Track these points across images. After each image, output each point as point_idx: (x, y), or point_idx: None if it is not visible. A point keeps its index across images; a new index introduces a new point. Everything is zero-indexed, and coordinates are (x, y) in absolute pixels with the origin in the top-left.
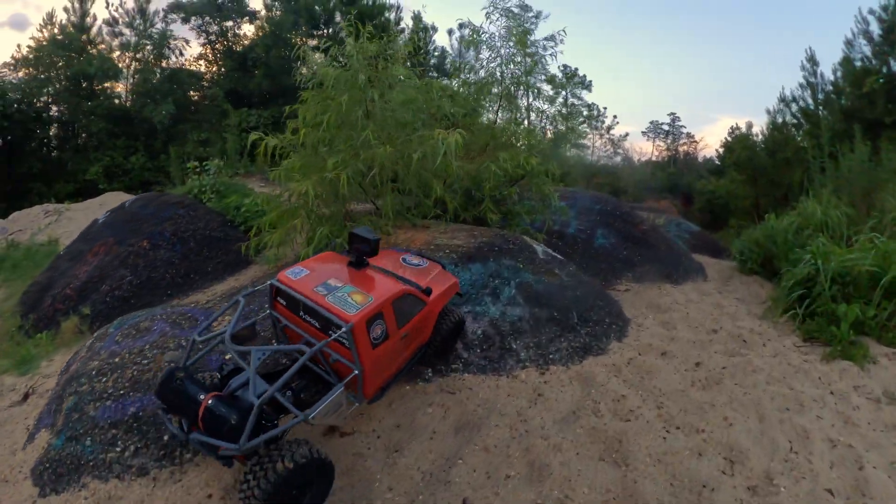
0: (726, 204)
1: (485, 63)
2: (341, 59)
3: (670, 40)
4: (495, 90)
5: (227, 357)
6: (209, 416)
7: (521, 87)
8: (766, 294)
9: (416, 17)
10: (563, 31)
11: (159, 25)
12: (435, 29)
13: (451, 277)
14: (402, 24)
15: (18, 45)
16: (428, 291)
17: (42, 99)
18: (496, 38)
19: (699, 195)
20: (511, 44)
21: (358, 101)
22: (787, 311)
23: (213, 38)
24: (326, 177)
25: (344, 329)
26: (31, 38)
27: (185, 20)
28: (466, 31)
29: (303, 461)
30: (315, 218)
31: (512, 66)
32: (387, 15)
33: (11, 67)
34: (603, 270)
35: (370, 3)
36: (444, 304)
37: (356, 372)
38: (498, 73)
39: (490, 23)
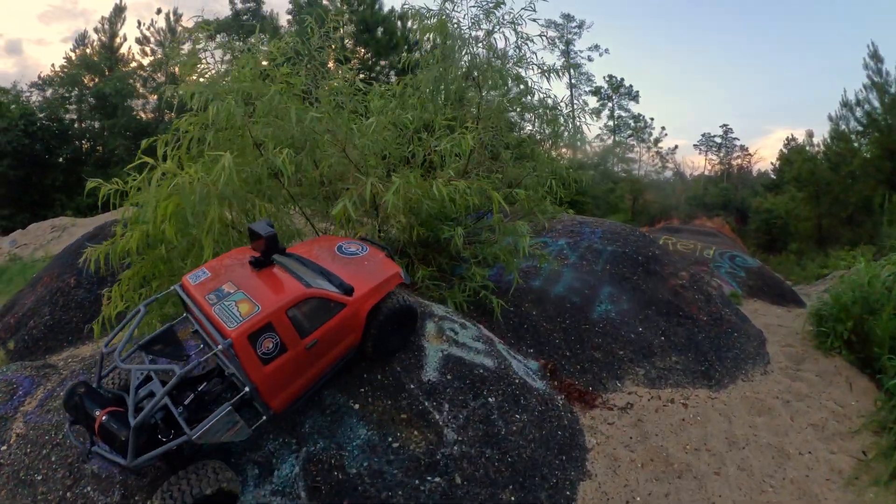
0: (785, 225)
1: (429, 49)
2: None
3: (721, 51)
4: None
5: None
6: (104, 432)
7: (497, 78)
8: (857, 410)
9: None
10: None
11: (187, 45)
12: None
13: (392, 267)
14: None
15: (53, 64)
16: (349, 290)
17: (68, 116)
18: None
19: (755, 214)
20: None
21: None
22: None
23: (237, 55)
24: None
25: (221, 346)
26: (63, 58)
27: (211, 37)
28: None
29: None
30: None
31: (482, 50)
32: (399, 24)
33: (39, 87)
34: (596, 364)
35: (378, 9)
36: (380, 298)
37: (247, 389)
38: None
39: None
